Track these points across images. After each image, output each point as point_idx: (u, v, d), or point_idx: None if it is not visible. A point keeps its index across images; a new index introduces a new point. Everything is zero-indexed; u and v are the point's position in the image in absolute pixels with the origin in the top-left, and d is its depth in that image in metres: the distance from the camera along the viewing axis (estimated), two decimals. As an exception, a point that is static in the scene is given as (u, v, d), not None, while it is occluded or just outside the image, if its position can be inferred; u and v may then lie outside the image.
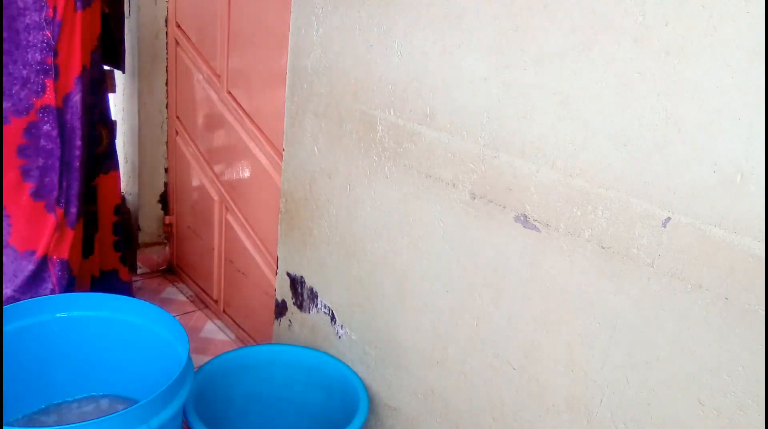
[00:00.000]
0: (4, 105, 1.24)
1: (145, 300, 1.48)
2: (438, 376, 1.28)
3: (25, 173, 1.31)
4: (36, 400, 1.47)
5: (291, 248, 1.64)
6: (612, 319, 0.96)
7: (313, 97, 1.44)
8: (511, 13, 1.00)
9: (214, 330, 2.16)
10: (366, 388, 1.43)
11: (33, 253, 1.39)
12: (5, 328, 1.33)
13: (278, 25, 1.59)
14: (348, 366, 1.49)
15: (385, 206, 1.32)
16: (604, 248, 0.95)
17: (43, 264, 1.41)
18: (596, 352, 0.99)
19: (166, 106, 2.33)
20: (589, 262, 0.97)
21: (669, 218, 0.86)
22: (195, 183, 2.25)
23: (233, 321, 2.16)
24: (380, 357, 1.42)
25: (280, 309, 1.75)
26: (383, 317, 1.39)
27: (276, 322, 1.78)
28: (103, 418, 1.05)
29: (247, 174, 1.92)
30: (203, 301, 2.33)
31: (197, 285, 2.37)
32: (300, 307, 1.66)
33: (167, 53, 2.24)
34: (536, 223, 1.03)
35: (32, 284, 1.41)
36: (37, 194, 1.33)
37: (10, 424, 1.36)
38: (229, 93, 1.92)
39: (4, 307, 1.33)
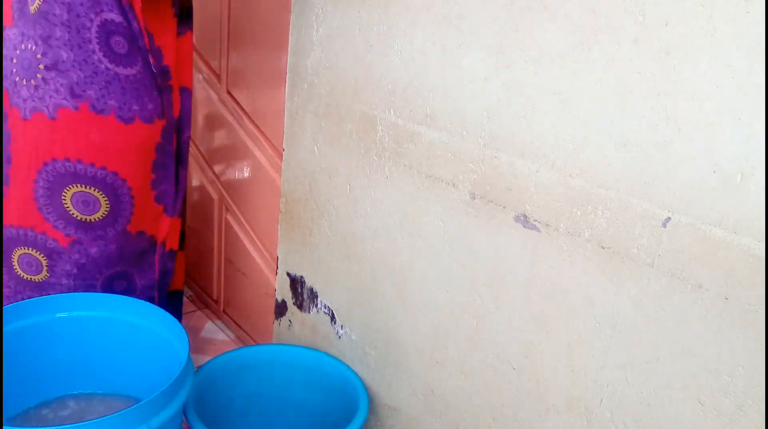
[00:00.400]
0: (150, 107, 1.39)
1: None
2: (438, 376, 1.28)
3: (154, 166, 1.47)
4: (34, 400, 1.47)
5: (291, 248, 1.64)
6: (612, 319, 0.96)
7: (313, 97, 1.44)
8: (511, 13, 1.00)
9: (214, 330, 2.16)
10: (366, 388, 1.43)
11: (142, 233, 1.54)
12: (5, 328, 1.33)
13: (278, 25, 1.59)
14: (348, 366, 1.49)
15: (385, 206, 1.32)
16: (604, 248, 0.95)
17: (152, 244, 1.59)
18: (596, 352, 0.99)
19: (166, 106, 2.32)
20: (589, 262, 0.98)
21: (669, 218, 0.86)
22: (195, 183, 2.25)
23: (233, 321, 2.16)
24: (380, 357, 1.42)
25: (280, 309, 1.75)
26: (383, 317, 1.39)
27: (276, 322, 1.78)
28: (103, 417, 1.05)
29: (246, 174, 1.92)
30: (203, 301, 2.33)
31: (197, 285, 2.37)
32: (300, 307, 1.66)
33: (167, 53, 2.24)
34: (536, 223, 1.03)
35: (140, 260, 1.58)
36: (154, 185, 1.50)
37: (8, 423, 1.36)
38: (229, 93, 1.92)
39: (4, 307, 1.33)
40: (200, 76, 2.06)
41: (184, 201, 1.77)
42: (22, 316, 1.36)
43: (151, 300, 1.65)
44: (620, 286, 0.94)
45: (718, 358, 0.85)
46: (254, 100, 1.82)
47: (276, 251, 1.71)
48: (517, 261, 1.08)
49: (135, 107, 1.38)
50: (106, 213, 1.45)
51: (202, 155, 2.15)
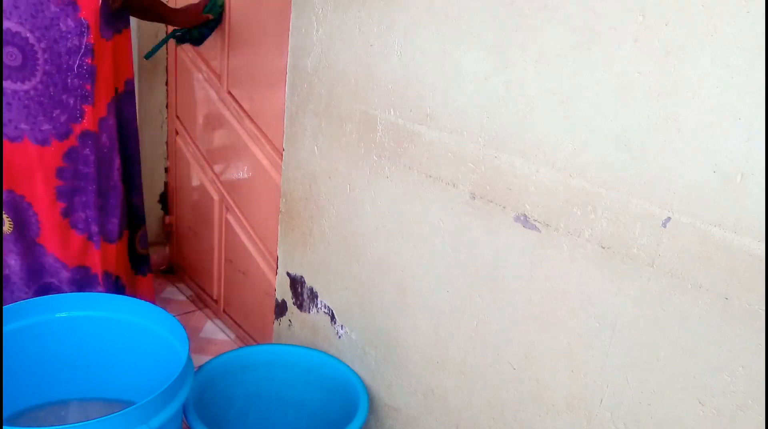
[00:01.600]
0: (45, 127, 1.28)
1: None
2: (438, 376, 1.28)
3: (59, 194, 1.38)
4: (34, 400, 1.47)
5: (291, 248, 1.64)
6: (612, 319, 0.96)
7: (313, 97, 1.44)
8: (511, 13, 1.00)
9: (214, 330, 2.16)
10: (366, 388, 1.43)
11: (60, 262, 1.47)
12: (5, 328, 1.33)
13: (278, 25, 1.59)
14: (348, 366, 1.49)
15: (385, 206, 1.32)
16: (604, 248, 0.95)
17: (86, 275, 1.49)
18: (596, 352, 0.99)
19: (166, 106, 2.33)
20: (589, 262, 0.97)
21: (669, 218, 0.86)
22: (195, 183, 2.25)
23: (233, 321, 2.16)
24: (380, 357, 1.42)
25: (280, 309, 1.75)
26: (383, 317, 1.39)
27: (276, 322, 1.78)
28: (103, 417, 1.05)
29: (247, 174, 1.92)
30: (203, 301, 2.33)
31: (197, 285, 2.37)
32: (300, 307, 1.66)
33: (167, 53, 2.24)
34: (536, 223, 1.03)
35: (81, 288, 1.51)
36: (66, 213, 1.41)
37: (9, 423, 1.36)
38: (229, 93, 1.92)
39: (4, 307, 1.33)
40: (200, 76, 2.06)
41: (141, 223, 1.73)
42: (22, 316, 1.36)
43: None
44: (620, 286, 0.94)
45: (718, 358, 0.85)
46: (254, 100, 1.82)
47: (276, 251, 1.71)
48: (517, 261, 1.08)
49: (23, 126, 1.26)
50: (11, 228, 1.40)
51: (202, 155, 2.15)
